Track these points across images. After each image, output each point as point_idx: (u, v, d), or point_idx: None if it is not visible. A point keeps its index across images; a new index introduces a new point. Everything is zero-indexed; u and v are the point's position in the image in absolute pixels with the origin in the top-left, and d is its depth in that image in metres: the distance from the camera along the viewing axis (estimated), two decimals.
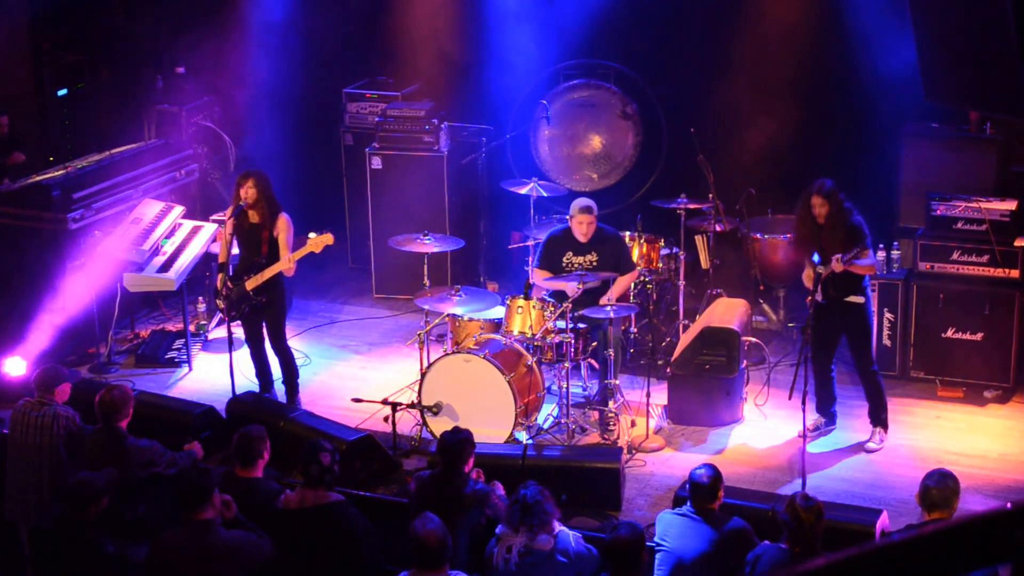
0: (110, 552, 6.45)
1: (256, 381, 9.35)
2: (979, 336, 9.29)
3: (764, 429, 8.99)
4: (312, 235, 8.88)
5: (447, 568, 5.93)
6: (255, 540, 6.28)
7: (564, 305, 8.64)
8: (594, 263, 9.15)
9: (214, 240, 10.32)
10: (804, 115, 10.48)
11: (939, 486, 6.17)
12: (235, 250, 9.12)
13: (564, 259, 9.22)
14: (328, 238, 8.89)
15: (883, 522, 7.07)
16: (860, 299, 8.52)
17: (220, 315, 10.02)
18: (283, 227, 8.94)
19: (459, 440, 6.83)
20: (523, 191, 10.35)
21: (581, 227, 9.14)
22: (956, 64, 9.48)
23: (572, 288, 8.68)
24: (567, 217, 9.30)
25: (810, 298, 8.10)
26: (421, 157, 11.12)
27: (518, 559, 6.13)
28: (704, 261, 10.23)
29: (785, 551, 6.01)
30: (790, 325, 10.35)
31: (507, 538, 6.20)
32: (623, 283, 9.12)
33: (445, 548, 5.88)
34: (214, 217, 10.65)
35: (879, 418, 8.73)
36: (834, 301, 8.43)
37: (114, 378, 9.66)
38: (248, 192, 8.81)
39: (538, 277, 9.29)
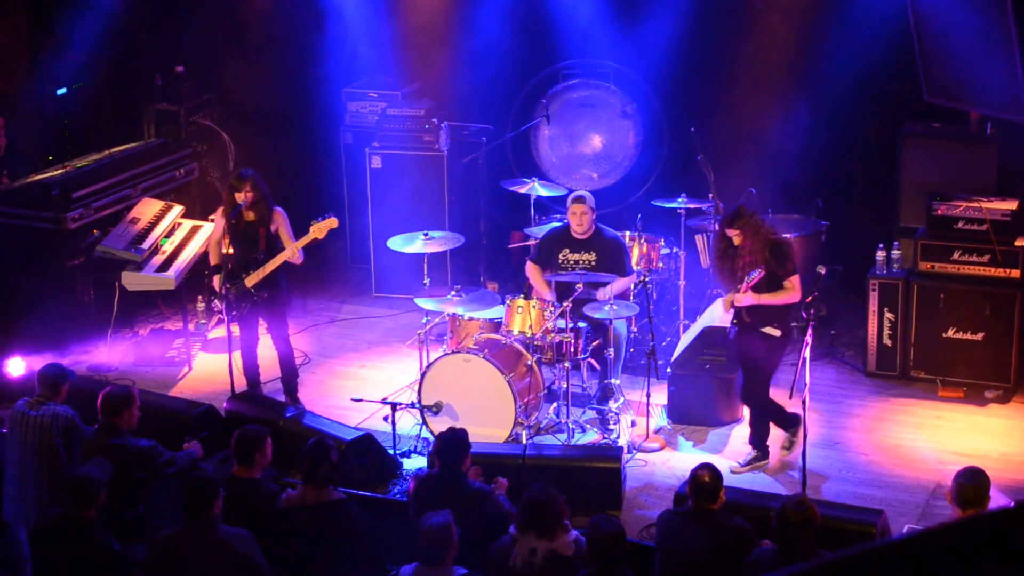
0: (116, 549, 6.44)
1: (244, 380, 9.27)
2: (980, 336, 9.28)
3: None
4: (313, 223, 8.87)
5: (451, 563, 5.95)
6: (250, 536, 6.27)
7: (564, 305, 8.63)
8: (592, 263, 9.14)
9: None
10: (804, 115, 10.46)
11: (974, 483, 6.07)
12: (227, 250, 9.08)
13: (560, 256, 9.21)
14: (332, 222, 8.85)
15: (883, 522, 7.06)
16: (776, 332, 8.18)
17: (217, 315, 10.01)
18: (281, 220, 8.94)
19: (455, 440, 6.85)
20: (523, 191, 10.34)
21: (575, 217, 9.13)
22: (956, 63, 9.48)
23: (549, 293, 8.92)
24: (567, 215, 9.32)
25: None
26: (421, 157, 11.11)
27: (542, 562, 6.08)
28: (704, 261, 10.23)
29: (775, 551, 6.00)
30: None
31: (528, 540, 6.12)
32: (620, 284, 9.09)
33: (449, 544, 5.91)
34: (212, 216, 10.63)
35: (759, 443, 8.42)
36: (748, 328, 8.10)
37: (113, 377, 9.64)
38: (248, 195, 8.81)
39: (531, 271, 9.29)
